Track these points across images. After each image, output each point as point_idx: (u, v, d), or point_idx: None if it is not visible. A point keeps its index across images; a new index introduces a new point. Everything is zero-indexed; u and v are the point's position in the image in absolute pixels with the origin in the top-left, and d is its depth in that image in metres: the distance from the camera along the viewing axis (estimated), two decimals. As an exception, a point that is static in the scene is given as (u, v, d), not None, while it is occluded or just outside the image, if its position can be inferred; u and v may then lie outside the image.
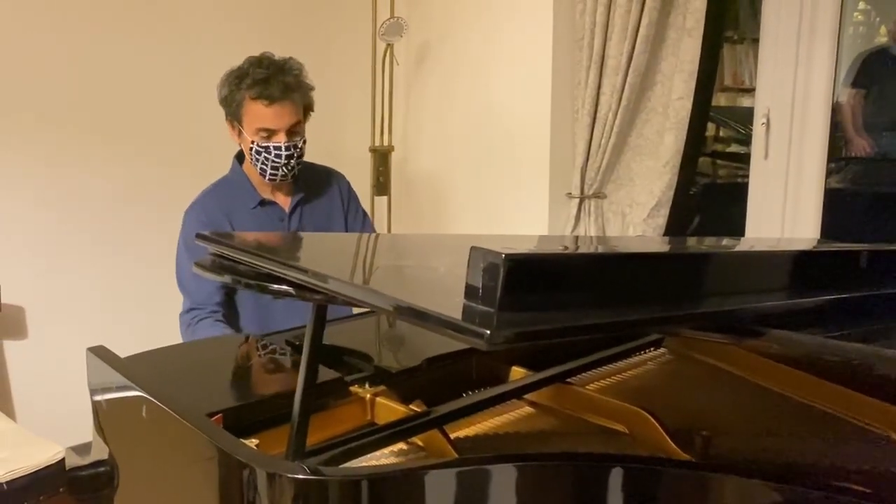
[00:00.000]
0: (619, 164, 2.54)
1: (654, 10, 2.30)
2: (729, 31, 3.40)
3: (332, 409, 1.15)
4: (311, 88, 1.91)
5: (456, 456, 0.99)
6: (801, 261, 1.20)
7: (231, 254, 1.04)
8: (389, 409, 1.16)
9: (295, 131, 1.86)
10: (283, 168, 1.86)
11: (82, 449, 1.26)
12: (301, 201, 1.98)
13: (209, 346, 1.58)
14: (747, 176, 2.50)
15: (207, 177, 2.00)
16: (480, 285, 0.77)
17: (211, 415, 1.02)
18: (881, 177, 3.04)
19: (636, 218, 2.49)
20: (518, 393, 1.22)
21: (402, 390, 1.22)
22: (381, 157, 2.92)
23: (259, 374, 1.36)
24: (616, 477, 0.89)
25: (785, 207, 2.40)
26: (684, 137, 2.38)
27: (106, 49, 2.45)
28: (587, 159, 2.48)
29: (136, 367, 1.14)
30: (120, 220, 2.54)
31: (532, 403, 1.23)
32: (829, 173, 2.37)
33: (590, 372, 1.33)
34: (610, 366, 1.38)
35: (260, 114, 1.82)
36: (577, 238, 2.43)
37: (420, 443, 1.06)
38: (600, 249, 1.42)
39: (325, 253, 1.28)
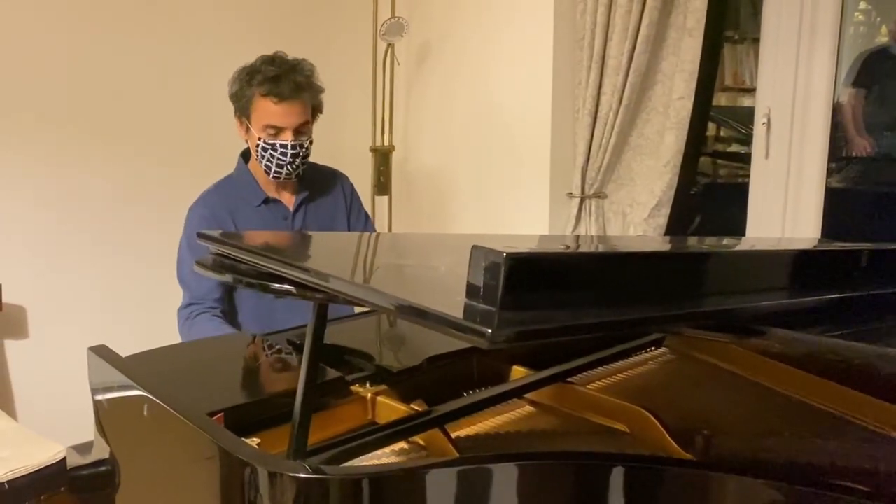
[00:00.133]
0: (619, 164, 2.54)
1: (655, 9, 2.29)
2: (729, 30, 3.39)
3: (333, 409, 1.15)
4: (322, 90, 1.91)
5: (457, 455, 0.99)
6: (802, 260, 1.20)
7: (232, 253, 1.04)
8: (390, 408, 1.16)
9: (302, 131, 1.86)
10: (289, 166, 1.86)
11: (83, 448, 1.26)
12: (305, 200, 1.99)
13: (210, 345, 1.58)
14: (748, 176, 2.50)
15: (207, 176, 2.00)
16: (482, 284, 0.77)
17: (212, 414, 1.02)
18: (882, 176, 3.04)
19: (637, 218, 2.49)
20: (519, 392, 1.22)
21: (403, 389, 1.22)
22: (382, 157, 2.92)
23: (260, 373, 1.37)
24: (617, 476, 0.89)
25: (786, 207, 2.39)
26: (685, 137, 2.38)
27: (106, 49, 2.45)
28: (588, 159, 2.47)
29: (137, 367, 1.14)
30: (120, 220, 2.54)
31: (533, 403, 1.23)
32: (829, 173, 2.36)
33: (591, 371, 1.33)
34: (611, 365, 1.37)
35: (269, 111, 1.82)
36: (577, 237, 2.43)
37: (421, 442, 1.06)
38: (601, 249, 1.42)
39: (326, 252, 1.28)
